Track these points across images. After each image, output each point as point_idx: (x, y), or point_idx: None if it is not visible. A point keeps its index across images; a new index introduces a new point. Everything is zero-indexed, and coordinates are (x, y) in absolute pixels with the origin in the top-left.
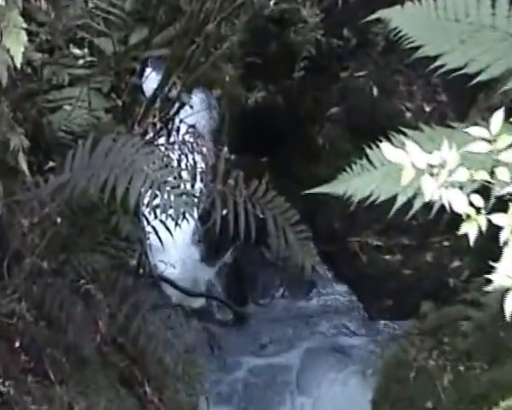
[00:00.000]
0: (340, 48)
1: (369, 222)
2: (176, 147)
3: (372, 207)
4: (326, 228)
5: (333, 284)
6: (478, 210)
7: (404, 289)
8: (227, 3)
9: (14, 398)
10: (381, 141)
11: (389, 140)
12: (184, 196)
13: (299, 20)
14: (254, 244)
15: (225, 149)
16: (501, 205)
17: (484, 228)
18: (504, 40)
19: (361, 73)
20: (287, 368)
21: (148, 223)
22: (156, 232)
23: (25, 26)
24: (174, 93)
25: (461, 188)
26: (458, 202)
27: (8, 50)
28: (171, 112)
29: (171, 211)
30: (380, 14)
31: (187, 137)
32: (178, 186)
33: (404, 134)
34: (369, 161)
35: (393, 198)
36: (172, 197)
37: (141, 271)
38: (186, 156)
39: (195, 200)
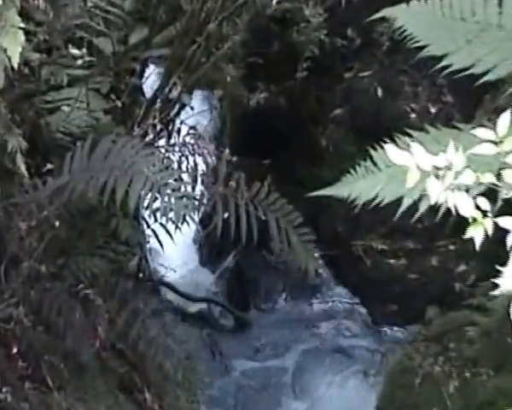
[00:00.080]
0: (344, 48)
1: (374, 225)
2: (176, 149)
3: (376, 210)
4: (329, 231)
5: (336, 289)
6: (484, 213)
7: (409, 293)
8: (229, 2)
9: (11, 405)
10: (385, 142)
11: (394, 142)
12: (185, 199)
13: (302, 20)
14: (256, 248)
15: (227, 150)
16: (508, 208)
17: (490, 232)
18: (511, 40)
19: (365, 74)
20: (287, 372)
21: (148, 226)
22: (156, 236)
23: (22, 25)
24: (175, 94)
25: (467, 191)
26: (464, 205)
27: (5, 50)
28: (172, 113)
29: (171, 214)
30: (384, 12)
31: (188, 139)
32: (179, 189)
33: (410, 135)
34: (374, 163)
35: (398, 201)
36: (173, 200)
37: (141, 275)
38: (187, 158)
39: (196, 203)
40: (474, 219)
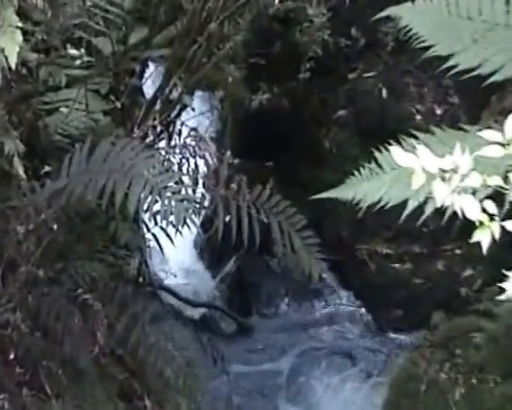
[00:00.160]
0: (348, 48)
1: (378, 229)
2: (177, 151)
3: (381, 214)
4: (333, 235)
5: (340, 293)
6: (491, 217)
7: (415, 298)
8: (230, 2)
9: None
10: (390, 144)
11: (399, 143)
12: (185, 202)
13: (305, 20)
14: (258, 252)
15: (228, 153)
16: None
17: (497, 235)
18: None
19: (369, 75)
20: (283, 375)
21: (148, 230)
22: (156, 240)
23: (20, 25)
24: (175, 95)
25: (473, 193)
26: (471, 209)
27: (2, 50)
28: (172, 114)
29: (171, 217)
30: (389, 11)
31: (188, 141)
32: (179, 192)
33: (415, 137)
34: (379, 165)
35: (403, 204)
36: (173, 203)
37: (140, 280)
38: (187, 160)
39: (197, 206)
40: (481, 223)
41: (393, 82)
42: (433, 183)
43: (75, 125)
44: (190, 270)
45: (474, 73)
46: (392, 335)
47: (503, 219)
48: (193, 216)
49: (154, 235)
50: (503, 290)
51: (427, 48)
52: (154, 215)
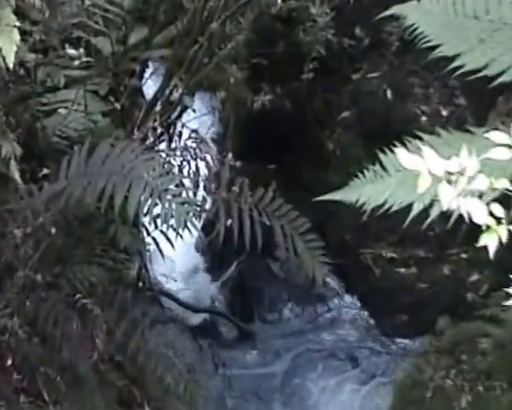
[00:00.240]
0: (352, 48)
1: (383, 233)
2: (177, 153)
3: (386, 217)
4: (337, 239)
5: (344, 298)
6: (498, 220)
7: (420, 303)
8: (232, 1)
9: None
10: (395, 146)
11: (404, 145)
12: (186, 205)
13: (309, 19)
14: (260, 256)
15: (230, 155)
16: None
17: (504, 239)
18: None
19: (374, 75)
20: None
21: (148, 234)
22: (157, 244)
23: (17, 24)
24: (176, 96)
25: (480, 197)
26: (478, 212)
27: None
28: (173, 116)
29: (172, 221)
30: (394, 10)
31: (189, 143)
32: (180, 194)
33: (420, 139)
34: (383, 167)
35: (408, 207)
36: (174, 206)
37: (140, 284)
38: (188, 163)
39: (198, 209)
40: (488, 227)
41: (398, 83)
42: (439, 186)
43: (74, 126)
44: (191, 274)
45: (481, 73)
46: (396, 340)
47: (510, 223)
48: (194, 219)
49: (154, 239)
50: (509, 295)
51: (433, 48)
52: (154, 218)
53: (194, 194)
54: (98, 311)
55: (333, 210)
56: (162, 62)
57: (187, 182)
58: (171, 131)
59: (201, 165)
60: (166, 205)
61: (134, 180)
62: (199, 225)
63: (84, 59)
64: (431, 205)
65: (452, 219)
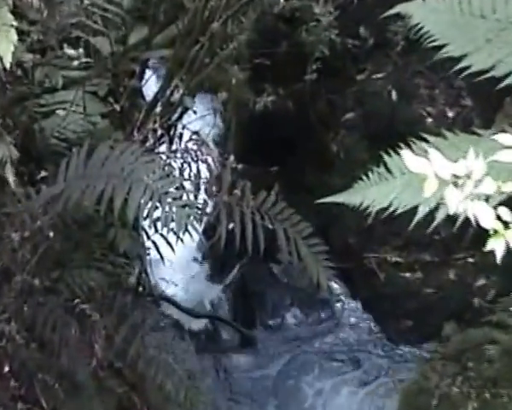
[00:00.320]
0: (356, 48)
1: (388, 237)
2: (178, 155)
3: (390, 221)
4: (340, 243)
5: (348, 303)
6: (506, 224)
7: (425, 309)
8: (234, 0)
9: None
10: (400, 148)
11: (409, 147)
12: (187, 209)
13: (312, 19)
14: (263, 260)
15: (231, 157)
16: None
17: None
18: None
19: (378, 76)
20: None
21: (148, 237)
22: (157, 248)
23: (15, 24)
24: (176, 97)
25: (487, 200)
26: (485, 216)
27: None
28: (173, 117)
29: (172, 224)
30: (399, 9)
31: (190, 145)
32: (181, 197)
33: (426, 141)
34: (388, 170)
35: (414, 211)
36: (174, 209)
37: (140, 289)
38: (189, 165)
39: (199, 212)
40: (495, 231)
41: (403, 83)
42: (446, 189)
43: (72, 128)
44: (192, 279)
45: (488, 74)
46: (401, 346)
47: None
48: (195, 223)
49: (154, 242)
50: None
51: (439, 48)
52: (154, 222)
53: (195, 197)
54: (97, 316)
55: (336, 213)
56: (162, 63)
57: (188, 185)
58: (171, 132)
59: (202, 167)
60: (167, 208)
61: (134, 183)
62: (200, 228)
63: (83, 59)
64: (436, 208)
65: (458, 223)
